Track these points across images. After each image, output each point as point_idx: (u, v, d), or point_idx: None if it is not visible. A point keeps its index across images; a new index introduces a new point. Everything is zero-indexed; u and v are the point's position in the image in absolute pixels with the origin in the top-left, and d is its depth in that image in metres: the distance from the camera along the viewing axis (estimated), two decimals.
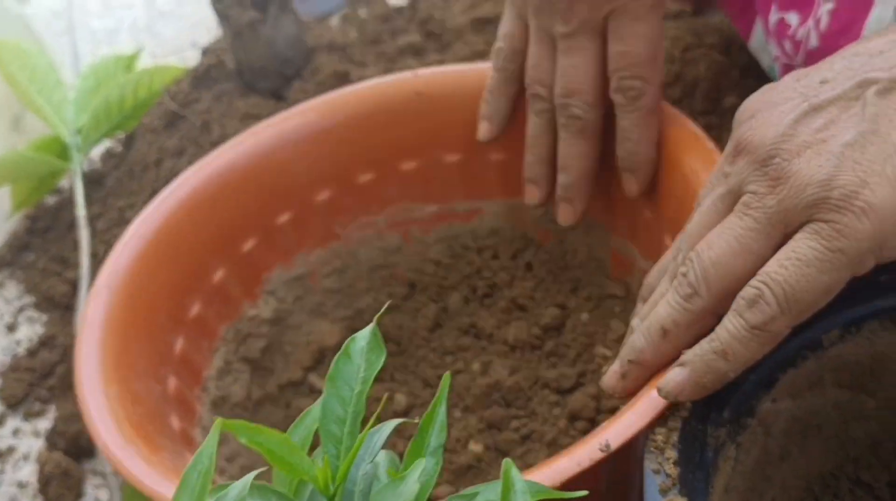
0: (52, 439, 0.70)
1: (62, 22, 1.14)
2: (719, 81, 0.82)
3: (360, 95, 0.60)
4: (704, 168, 0.48)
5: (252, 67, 0.79)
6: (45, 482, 0.67)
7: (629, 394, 0.40)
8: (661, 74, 0.51)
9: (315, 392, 0.59)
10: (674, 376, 0.37)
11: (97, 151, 0.90)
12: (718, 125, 0.80)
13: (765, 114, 0.37)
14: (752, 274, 0.36)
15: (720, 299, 0.37)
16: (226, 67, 0.82)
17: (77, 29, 1.09)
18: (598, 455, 0.36)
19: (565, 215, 0.56)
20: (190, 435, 0.50)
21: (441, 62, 0.93)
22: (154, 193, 0.77)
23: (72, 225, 0.87)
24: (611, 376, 0.41)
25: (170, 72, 0.86)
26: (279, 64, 0.79)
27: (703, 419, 0.42)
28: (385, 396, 0.57)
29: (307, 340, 0.61)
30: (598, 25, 0.51)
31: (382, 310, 0.35)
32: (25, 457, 0.71)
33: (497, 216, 0.62)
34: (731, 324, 0.36)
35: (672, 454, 0.38)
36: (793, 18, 0.59)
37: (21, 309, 0.83)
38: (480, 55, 0.94)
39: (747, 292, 0.36)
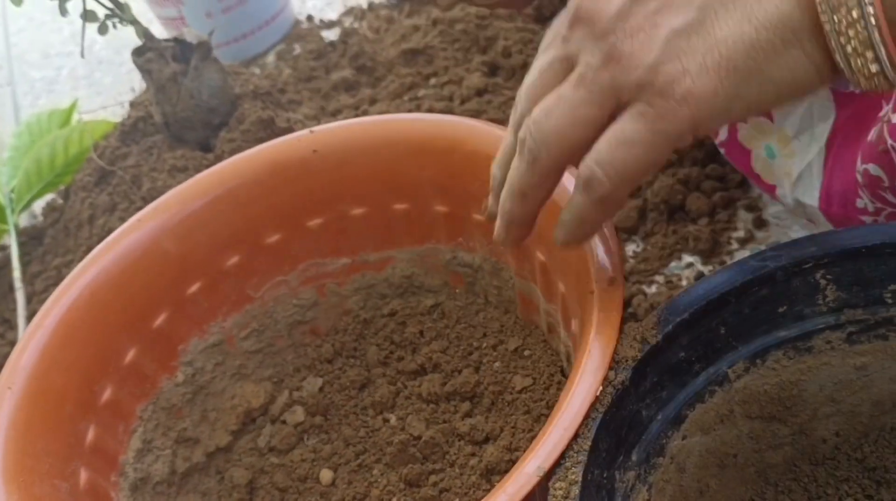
0: None
1: (2, 73, 1.14)
2: None
3: (257, 159, 0.60)
4: None
5: (178, 120, 0.79)
6: None
7: (517, 244, 0.45)
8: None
9: (250, 458, 0.59)
10: (556, 233, 0.42)
11: (39, 205, 0.91)
12: None
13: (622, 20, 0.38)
14: (589, 140, 0.39)
15: (563, 161, 0.40)
16: (153, 120, 0.82)
17: (17, 81, 1.09)
18: None
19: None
20: None
21: (373, 97, 0.93)
22: (89, 250, 0.78)
23: (11, 286, 0.87)
24: (497, 235, 0.45)
25: (99, 127, 0.87)
26: (204, 114, 0.79)
27: (607, 466, 0.42)
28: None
29: (232, 404, 0.61)
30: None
31: None
32: None
33: (409, 263, 0.62)
34: (577, 198, 0.40)
35: None
36: None
37: None
38: (410, 87, 0.93)
39: (583, 172, 0.39)
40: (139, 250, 0.58)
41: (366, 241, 0.61)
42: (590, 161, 0.39)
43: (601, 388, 0.41)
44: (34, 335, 0.54)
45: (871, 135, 0.50)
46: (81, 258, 0.78)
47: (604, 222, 0.44)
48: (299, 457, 0.58)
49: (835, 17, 0.35)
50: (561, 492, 0.38)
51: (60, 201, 0.92)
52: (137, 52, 0.79)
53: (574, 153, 0.40)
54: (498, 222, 0.44)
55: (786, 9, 0.35)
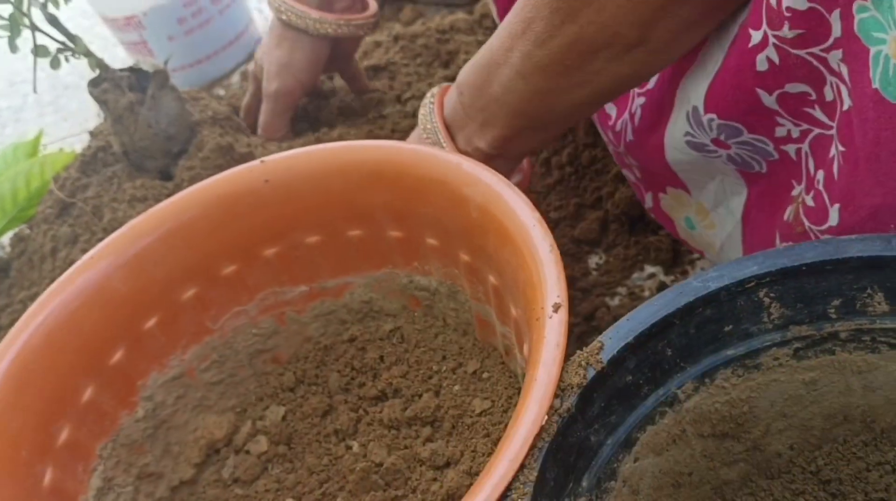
0: None
1: None
2: None
3: (208, 192, 0.59)
4: (527, 242, 0.48)
5: (136, 149, 0.79)
6: None
7: None
8: None
9: (215, 490, 0.59)
10: None
11: (7, 236, 0.90)
12: (603, 157, 0.79)
13: None
14: None
15: None
16: (113, 149, 0.81)
17: None
18: None
19: None
20: None
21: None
22: (53, 282, 0.77)
23: None
24: None
25: (60, 159, 0.86)
26: (163, 142, 0.79)
27: (556, 495, 0.42)
28: None
29: (195, 436, 0.61)
30: None
31: None
32: None
33: (367, 288, 0.62)
34: None
35: None
36: (612, 109, 0.61)
37: None
38: (376, 104, 0.93)
39: None
40: (92, 289, 0.57)
41: (322, 268, 0.61)
42: None
43: (546, 417, 0.41)
44: None
45: (787, 214, 0.52)
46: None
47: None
48: (263, 487, 0.58)
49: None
50: None
51: (28, 232, 0.92)
52: (93, 83, 0.78)
53: None
54: None
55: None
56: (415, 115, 0.90)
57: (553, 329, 0.43)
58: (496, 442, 0.53)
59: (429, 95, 0.61)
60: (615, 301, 0.71)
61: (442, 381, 0.58)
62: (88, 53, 0.75)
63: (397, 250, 0.59)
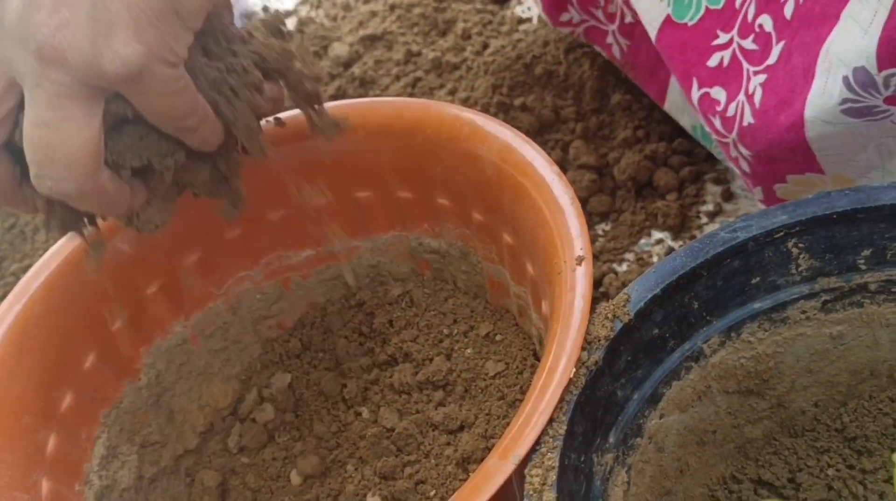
0: None
1: None
2: (605, 78, 0.80)
3: None
4: (547, 197, 0.46)
5: None
6: None
7: None
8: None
9: (220, 459, 0.58)
10: None
11: None
12: (610, 123, 0.78)
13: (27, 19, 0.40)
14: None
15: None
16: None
17: None
18: None
19: None
20: None
21: (339, 85, 0.91)
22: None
23: None
24: None
25: None
26: None
27: (585, 450, 0.41)
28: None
29: (199, 404, 0.59)
30: None
31: None
32: None
33: (374, 252, 0.60)
34: None
35: (551, 495, 0.37)
36: (720, 94, 0.57)
37: None
38: (373, 78, 0.92)
39: None
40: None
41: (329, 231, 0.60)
42: None
43: (574, 370, 0.40)
44: None
45: None
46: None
47: None
48: (270, 456, 0.57)
49: None
50: (538, 479, 0.37)
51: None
52: None
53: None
54: None
55: None
56: (414, 85, 0.89)
57: (578, 281, 0.42)
58: (511, 404, 0.52)
59: None
60: (623, 267, 0.70)
61: (453, 344, 0.56)
62: None
63: (407, 211, 0.58)
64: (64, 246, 0.55)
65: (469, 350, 0.56)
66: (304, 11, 1.10)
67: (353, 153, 0.57)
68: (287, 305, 0.62)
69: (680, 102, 0.71)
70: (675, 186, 0.74)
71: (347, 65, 0.95)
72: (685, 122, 0.72)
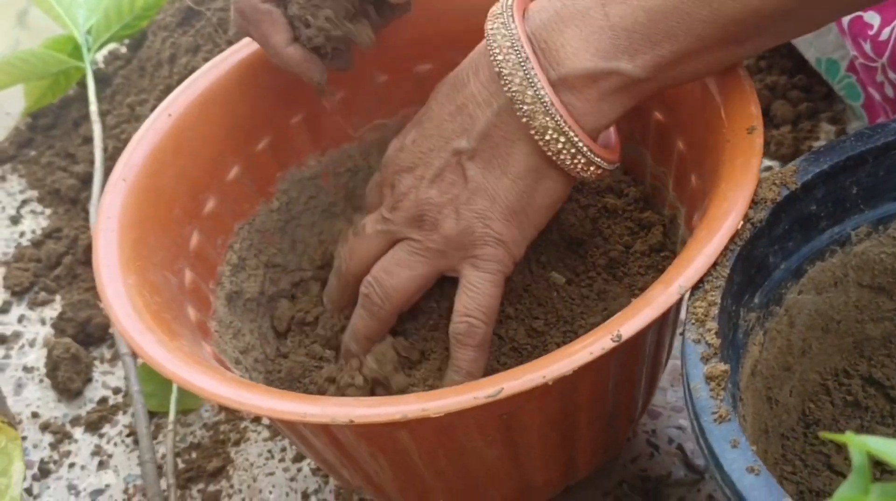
0: (59, 325, 0.71)
1: None
2: None
3: None
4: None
5: None
6: (53, 366, 0.68)
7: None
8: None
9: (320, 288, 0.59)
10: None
11: (100, 55, 0.90)
12: None
13: (407, 176, 0.50)
14: (419, 292, 0.51)
15: (399, 309, 0.51)
16: None
17: None
18: (610, 345, 0.37)
19: None
20: (206, 326, 0.51)
21: None
22: (168, 89, 0.77)
23: (76, 122, 0.87)
24: (345, 358, 0.53)
25: None
26: None
27: (737, 300, 0.42)
28: None
29: (318, 239, 0.61)
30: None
31: None
32: (31, 343, 0.72)
33: None
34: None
35: (713, 325, 0.39)
36: (874, 18, 0.58)
37: (24, 202, 0.84)
38: None
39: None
40: (249, 72, 0.58)
41: None
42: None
43: (742, 223, 0.41)
44: (145, 136, 0.54)
45: None
46: (159, 97, 0.78)
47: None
48: None
49: (561, 156, 0.46)
50: (701, 310, 0.39)
51: (123, 51, 0.92)
52: None
53: (409, 301, 0.51)
54: (343, 354, 0.54)
55: (528, 160, 0.46)
56: None
57: (748, 147, 0.44)
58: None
59: (499, 5, 0.47)
60: None
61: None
62: None
63: None
64: (225, 57, 0.57)
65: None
66: None
67: None
68: None
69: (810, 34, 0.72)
70: (791, 118, 0.75)
71: None
72: (810, 55, 0.73)
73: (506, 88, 0.45)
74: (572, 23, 0.44)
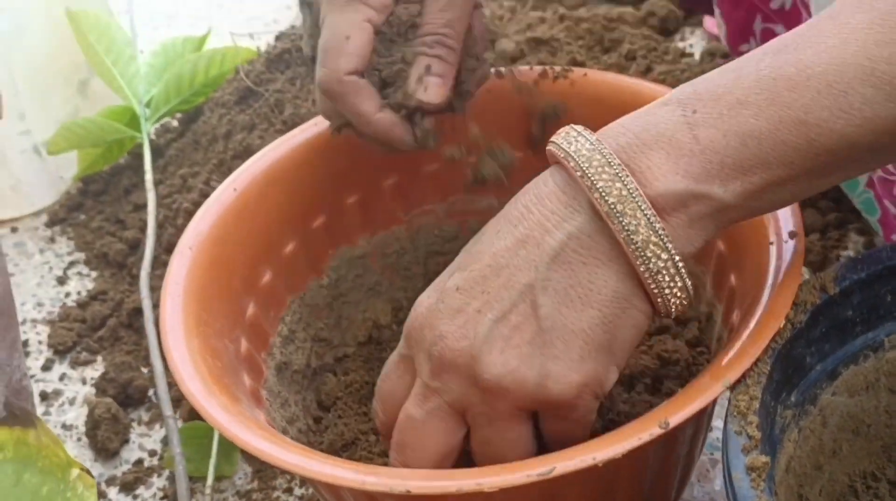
0: (101, 385, 0.73)
1: (121, 2, 1.18)
2: None
3: None
4: None
5: None
6: (93, 425, 0.69)
7: None
8: None
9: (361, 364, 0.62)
10: None
11: (153, 127, 0.94)
12: None
13: (445, 326, 0.43)
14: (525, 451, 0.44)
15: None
16: (300, 53, 0.85)
17: (137, 11, 1.13)
18: (658, 432, 0.39)
19: None
20: (259, 394, 0.53)
21: None
22: (221, 163, 0.81)
23: (127, 190, 0.90)
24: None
25: (242, 52, 0.90)
26: None
27: (775, 397, 0.44)
28: None
29: (363, 316, 0.64)
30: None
31: None
32: (71, 401, 0.74)
33: None
34: None
35: (754, 418, 0.41)
36: (781, 31, 0.60)
37: (71, 264, 0.87)
38: None
39: None
40: (311, 152, 0.61)
41: (516, 185, 0.64)
42: None
43: (783, 323, 0.44)
44: (211, 207, 0.57)
45: None
46: (211, 170, 0.82)
47: None
48: None
49: (660, 278, 0.41)
50: (744, 403, 0.41)
51: (175, 125, 0.96)
52: None
53: (448, 457, 0.44)
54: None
55: (615, 286, 0.41)
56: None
57: (791, 250, 0.46)
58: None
59: (564, 129, 0.44)
60: None
61: None
62: None
63: None
64: (287, 139, 0.60)
65: None
66: None
67: (577, 118, 0.61)
68: (459, 246, 0.66)
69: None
70: (819, 227, 0.78)
71: (513, 59, 1.00)
72: None
73: (599, 200, 0.41)
74: (657, 146, 0.41)
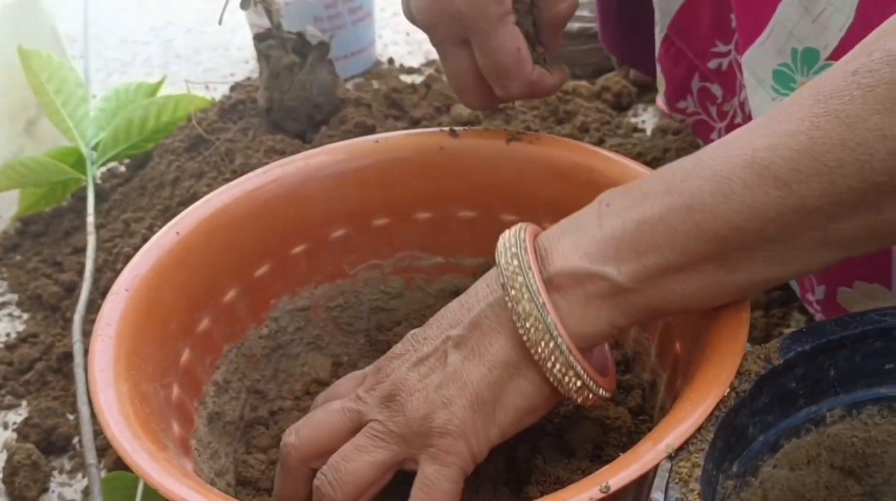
0: (23, 431, 0.70)
1: (77, 47, 1.17)
2: None
3: (388, 144, 0.62)
4: None
5: (283, 107, 0.82)
6: (11, 471, 0.66)
7: None
8: None
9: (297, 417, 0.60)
10: None
11: (98, 171, 0.92)
12: None
13: (395, 360, 0.50)
14: (376, 482, 0.48)
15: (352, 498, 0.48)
16: (254, 104, 0.84)
17: (91, 58, 1.13)
18: (598, 496, 0.38)
19: None
20: (188, 443, 0.51)
21: None
22: (166, 209, 0.79)
23: (68, 232, 0.88)
24: None
25: (196, 101, 0.89)
26: (310, 108, 0.82)
27: (717, 466, 0.44)
28: None
29: (301, 370, 0.62)
30: None
31: None
32: None
33: None
34: None
35: (696, 486, 0.40)
36: (717, 90, 0.64)
37: (2, 305, 0.84)
38: None
39: None
40: (258, 200, 0.60)
41: (465, 244, 0.64)
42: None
43: (727, 391, 0.43)
44: (151, 250, 0.55)
45: None
46: (156, 216, 0.80)
47: None
48: None
49: (538, 349, 0.44)
50: (685, 471, 0.40)
51: (122, 170, 0.94)
52: (259, 38, 0.82)
53: (366, 490, 0.48)
54: None
55: (508, 352, 0.46)
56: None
57: (739, 317, 0.46)
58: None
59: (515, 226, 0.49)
60: None
61: None
62: (271, 9, 0.79)
63: None
64: (234, 185, 0.60)
65: None
66: (427, 72, 1.17)
67: (513, 181, 0.61)
68: (402, 303, 0.65)
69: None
70: (763, 305, 0.78)
71: (468, 124, 1.01)
72: None
73: (500, 274, 0.46)
74: (570, 233, 0.46)
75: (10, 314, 0.83)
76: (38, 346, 0.78)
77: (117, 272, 0.75)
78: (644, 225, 0.43)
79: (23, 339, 0.79)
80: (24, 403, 0.74)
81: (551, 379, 0.45)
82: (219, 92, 1.02)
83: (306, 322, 0.62)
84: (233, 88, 0.91)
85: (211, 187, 0.78)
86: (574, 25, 1.10)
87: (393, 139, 0.63)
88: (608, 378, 0.47)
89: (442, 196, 0.63)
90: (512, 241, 0.46)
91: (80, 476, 0.68)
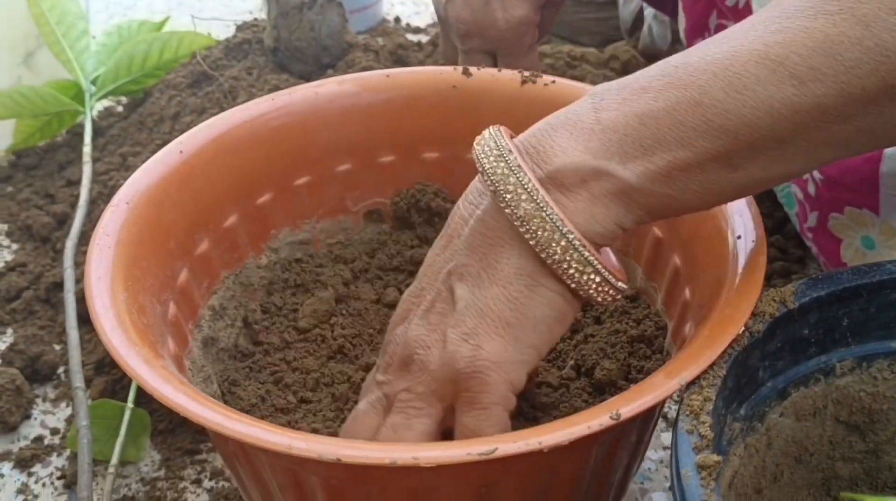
0: (7, 356, 0.68)
1: None
2: None
3: (400, 80, 0.61)
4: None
5: (290, 48, 0.81)
6: None
7: None
8: None
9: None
10: None
11: (95, 110, 0.91)
12: None
13: (399, 327, 0.45)
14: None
15: None
16: (260, 44, 0.83)
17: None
18: (608, 423, 0.37)
19: None
20: (182, 362, 0.49)
21: None
22: (165, 144, 0.78)
23: (61, 166, 0.87)
24: None
25: (200, 39, 0.87)
26: (317, 50, 0.81)
27: (726, 405, 0.43)
28: None
29: (300, 306, 0.61)
30: None
31: None
32: None
33: None
34: None
35: (707, 418, 0.39)
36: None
37: None
38: None
39: None
40: (264, 126, 0.58)
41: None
42: None
43: (741, 329, 0.42)
44: (153, 167, 0.54)
45: None
46: (153, 151, 0.78)
47: None
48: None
49: (550, 251, 0.41)
50: (697, 404, 0.39)
51: (119, 109, 0.92)
52: None
53: None
54: None
55: (517, 263, 0.42)
56: None
57: (752, 262, 0.45)
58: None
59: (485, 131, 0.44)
60: None
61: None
62: None
63: None
64: (242, 110, 0.58)
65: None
66: (433, 31, 1.16)
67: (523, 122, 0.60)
68: (405, 241, 0.64)
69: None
70: (766, 276, 0.77)
71: None
72: None
73: (486, 180, 0.42)
74: (562, 128, 0.42)
75: None
76: (27, 275, 0.76)
77: None
78: (648, 118, 0.40)
79: (11, 268, 0.77)
80: (9, 330, 0.72)
81: (568, 281, 0.41)
82: (223, 35, 1.01)
83: (306, 255, 0.61)
84: (239, 28, 0.89)
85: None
86: None
87: (404, 75, 0.62)
88: (622, 271, 0.44)
89: (451, 136, 0.61)
90: (491, 145, 0.42)
91: (63, 404, 0.67)
